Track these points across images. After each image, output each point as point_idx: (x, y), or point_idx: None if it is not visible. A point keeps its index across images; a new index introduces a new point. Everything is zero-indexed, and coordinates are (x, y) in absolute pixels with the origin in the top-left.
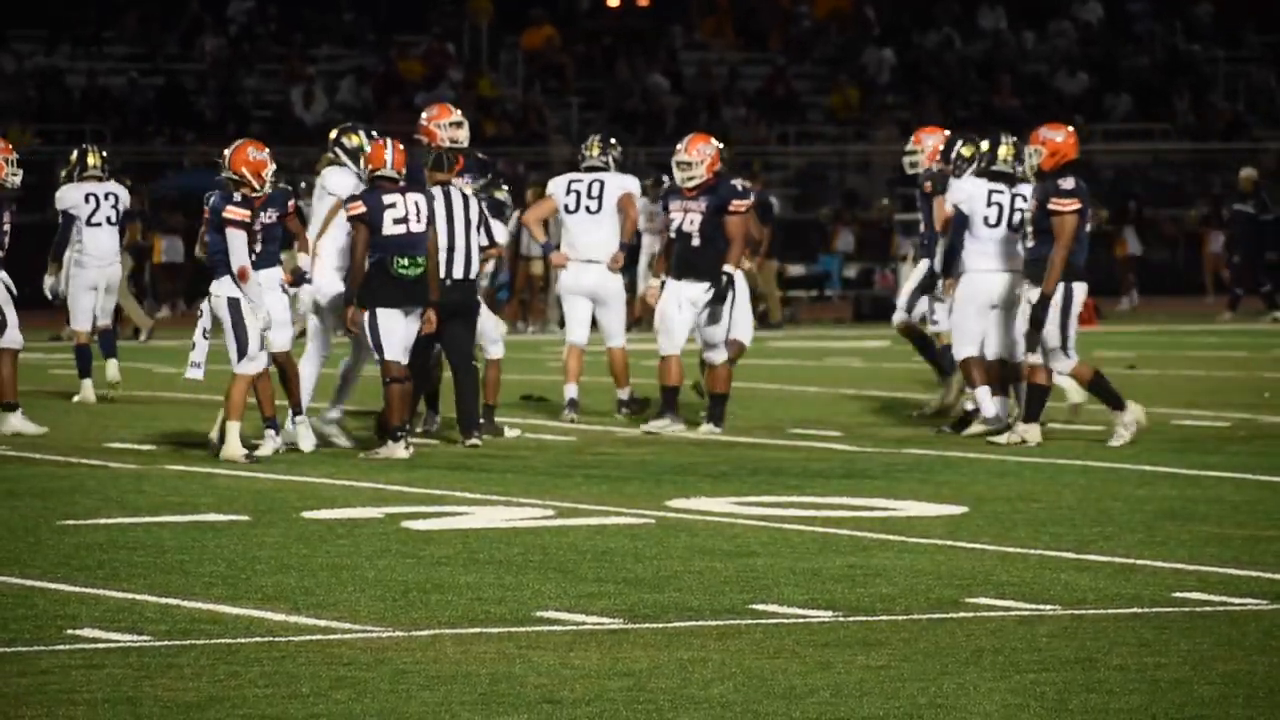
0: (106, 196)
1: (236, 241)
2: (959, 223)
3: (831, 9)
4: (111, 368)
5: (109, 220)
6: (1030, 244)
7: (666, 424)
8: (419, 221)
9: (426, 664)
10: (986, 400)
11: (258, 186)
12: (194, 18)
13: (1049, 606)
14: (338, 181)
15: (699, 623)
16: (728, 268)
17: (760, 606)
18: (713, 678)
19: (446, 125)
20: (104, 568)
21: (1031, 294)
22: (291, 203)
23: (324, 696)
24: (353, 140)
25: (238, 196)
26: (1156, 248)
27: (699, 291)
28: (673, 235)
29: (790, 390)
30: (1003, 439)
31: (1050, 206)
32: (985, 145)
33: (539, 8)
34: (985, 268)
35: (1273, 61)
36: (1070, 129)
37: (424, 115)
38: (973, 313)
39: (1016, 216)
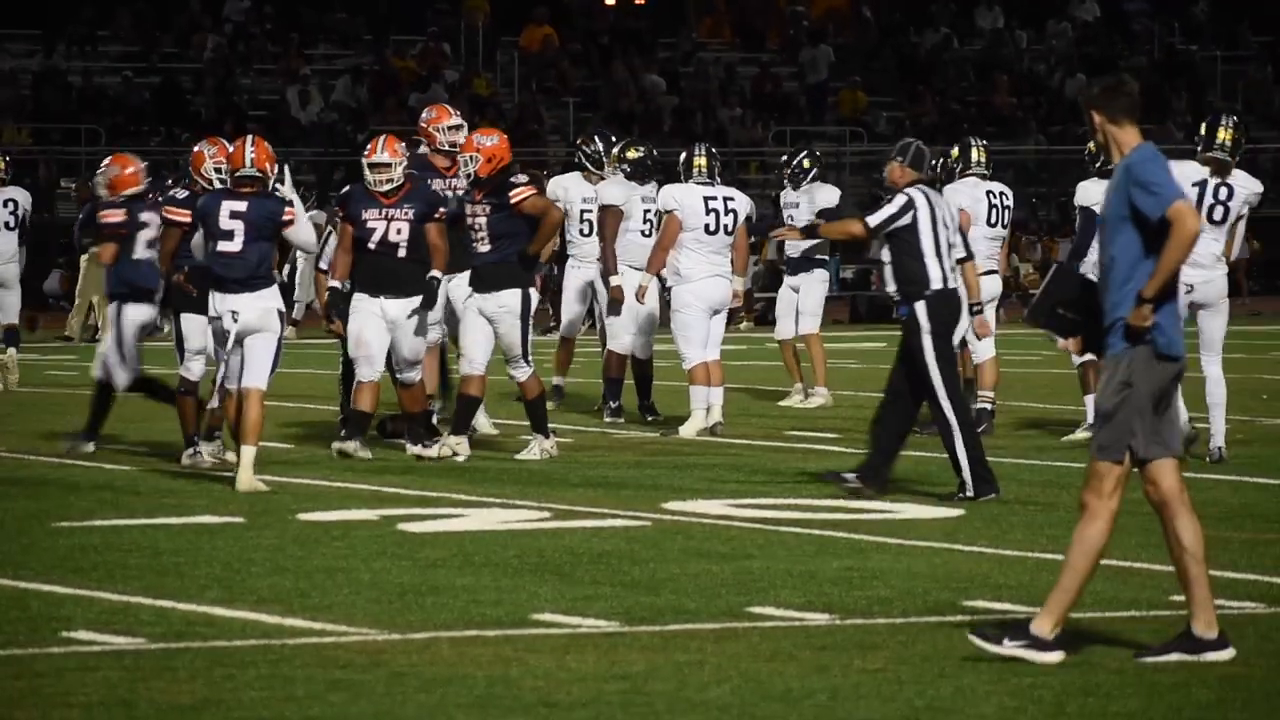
0: (5, 203)
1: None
2: (1087, 223)
3: (828, 9)
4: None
5: (7, 225)
6: (487, 247)
7: (356, 446)
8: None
9: (422, 666)
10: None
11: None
12: (190, 17)
13: None
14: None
15: (696, 625)
16: (435, 273)
17: (757, 609)
18: (709, 680)
19: (445, 129)
20: (99, 569)
21: (489, 301)
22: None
23: (319, 699)
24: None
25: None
26: None
27: (403, 308)
28: (371, 247)
29: (786, 392)
30: (433, 451)
31: (514, 201)
32: (1091, 144)
33: (536, 7)
34: None
35: (1269, 61)
36: (503, 134)
37: (423, 117)
38: None
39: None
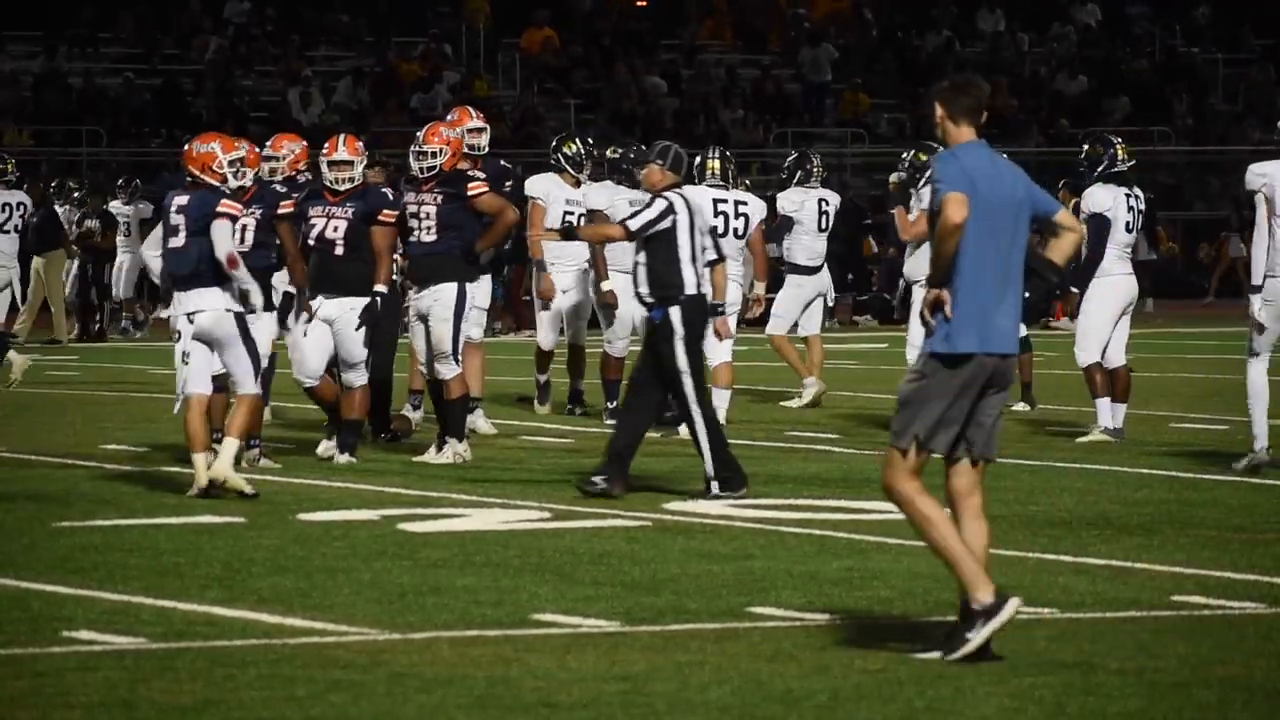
0: (18, 206)
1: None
2: (1101, 229)
3: (830, 11)
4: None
5: (16, 228)
6: (432, 237)
7: (338, 455)
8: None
9: (423, 666)
10: (1106, 411)
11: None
12: (191, 19)
13: (1047, 610)
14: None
15: (696, 626)
16: (380, 288)
17: (758, 609)
18: (710, 681)
19: (464, 131)
20: (99, 570)
21: (425, 297)
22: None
23: (320, 699)
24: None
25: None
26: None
27: (339, 307)
28: (311, 243)
29: (787, 392)
30: (445, 456)
31: (471, 194)
32: (1086, 148)
33: (538, 9)
34: (1124, 271)
35: (1271, 63)
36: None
37: (447, 119)
38: (1109, 318)
39: (1140, 219)
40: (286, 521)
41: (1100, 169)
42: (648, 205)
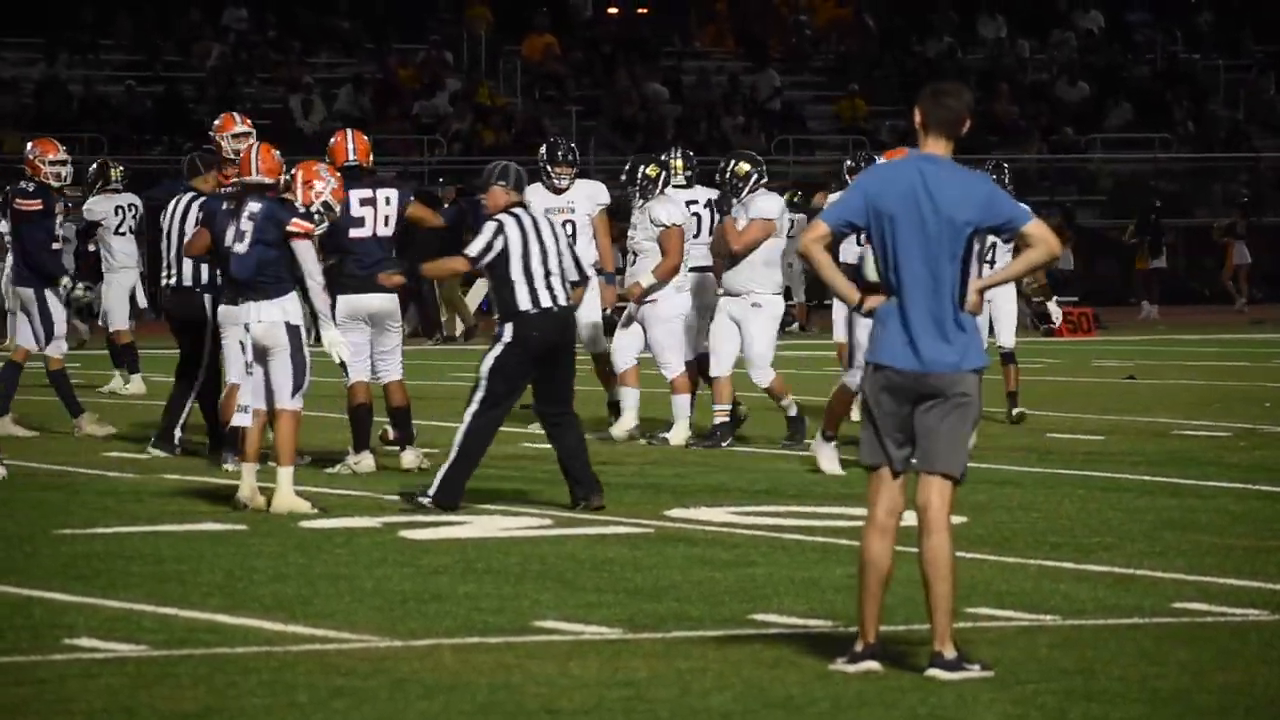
0: (130, 207)
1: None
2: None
3: (831, 18)
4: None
5: (131, 229)
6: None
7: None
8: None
9: (425, 673)
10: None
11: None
12: (192, 25)
13: (1049, 616)
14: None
15: (698, 633)
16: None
17: (760, 616)
18: (712, 688)
19: (228, 137)
20: (101, 577)
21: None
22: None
23: (322, 706)
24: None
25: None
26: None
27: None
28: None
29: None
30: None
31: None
32: (735, 165)
33: (539, 15)
34: None
35: (1272, 70)
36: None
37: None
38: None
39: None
40: (288, 529)
41: (753, 183)
42: (481, 231)
